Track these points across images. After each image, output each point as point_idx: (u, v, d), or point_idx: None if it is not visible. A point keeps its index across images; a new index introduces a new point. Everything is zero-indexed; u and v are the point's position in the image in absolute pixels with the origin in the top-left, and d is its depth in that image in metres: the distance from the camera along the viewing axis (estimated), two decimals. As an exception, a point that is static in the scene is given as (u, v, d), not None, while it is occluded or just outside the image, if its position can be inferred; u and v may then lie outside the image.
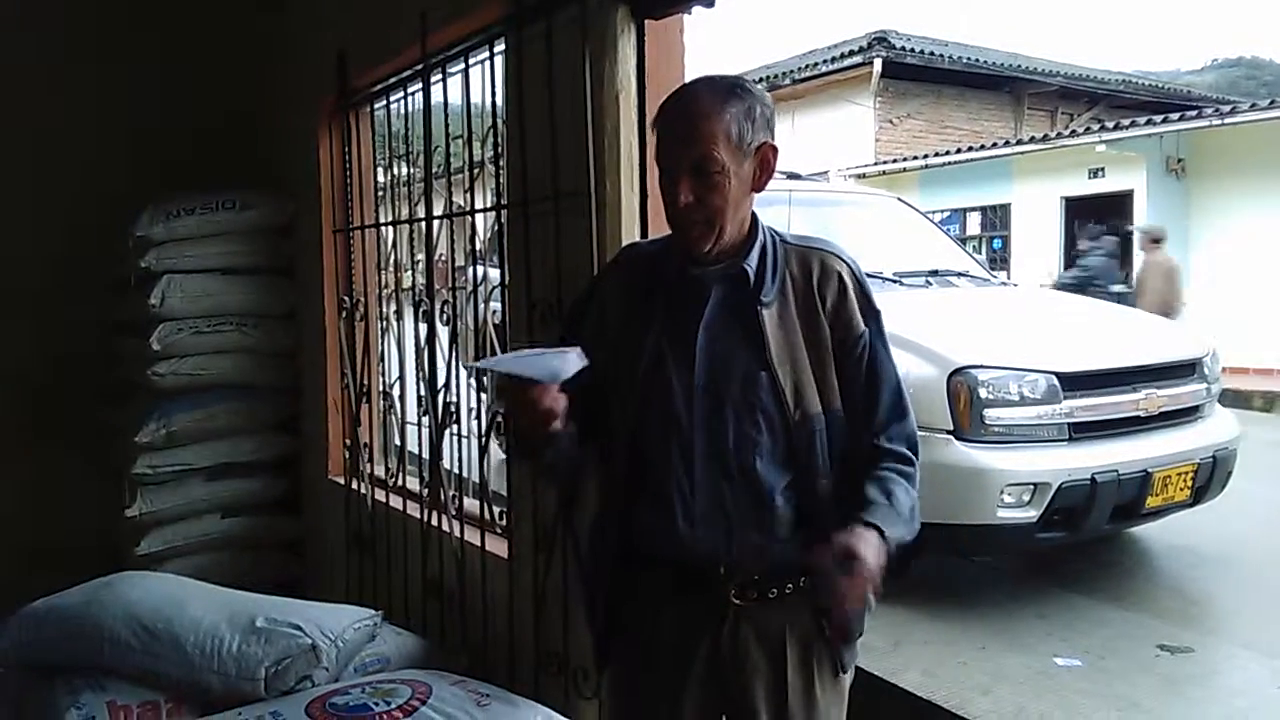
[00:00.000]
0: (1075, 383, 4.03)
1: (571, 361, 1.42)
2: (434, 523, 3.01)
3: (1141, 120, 12.54)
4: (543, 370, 1.41)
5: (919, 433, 3.82)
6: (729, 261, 1.52)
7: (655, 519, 1.52)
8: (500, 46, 2.65)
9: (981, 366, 3.94)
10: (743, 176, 1.49)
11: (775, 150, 1.52)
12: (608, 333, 1.57)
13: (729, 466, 1.49)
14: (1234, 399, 7.61)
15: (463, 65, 2.82)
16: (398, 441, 3.46)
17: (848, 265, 1.58)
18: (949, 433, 3.86)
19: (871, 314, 1.56)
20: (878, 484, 1.51)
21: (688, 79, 2.20)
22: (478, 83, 2.77)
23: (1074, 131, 13.94)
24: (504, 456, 2.78)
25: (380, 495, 3.41)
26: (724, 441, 1.49)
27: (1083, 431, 4.02)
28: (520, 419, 1.45)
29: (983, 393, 3.89)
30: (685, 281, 1.54)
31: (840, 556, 1.34)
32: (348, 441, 3.64)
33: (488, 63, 2.73)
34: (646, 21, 2.26)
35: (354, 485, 3.55)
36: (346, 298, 3.63)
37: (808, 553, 1.41)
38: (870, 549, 1.37)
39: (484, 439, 2.79)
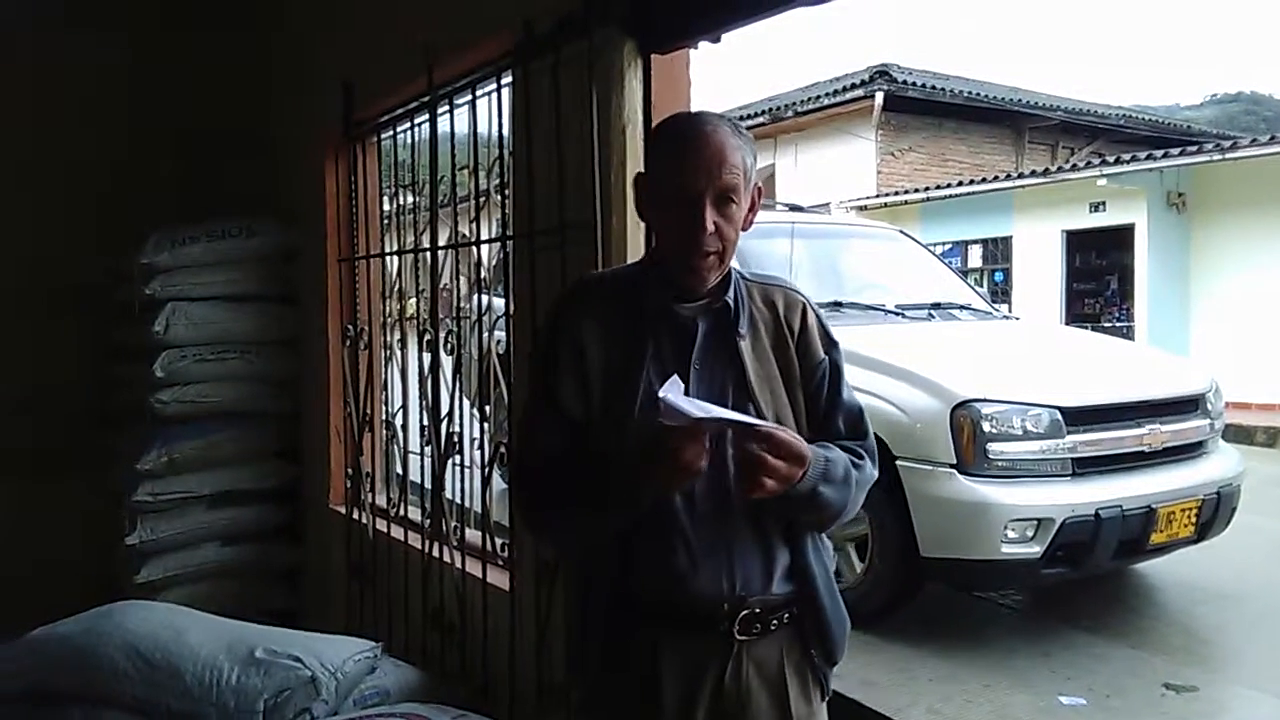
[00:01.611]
0: (1079, 417, 4.02)
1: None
2: (435, 554, 2.99)
3: (1142, 155, 12.60)
4: (739, 416, 1.40)
5: (923, 466, 3.82)
6: (711, 297, 1.53)
7: (654, 558, 1.49)
8: (507, 79, 2.67)
9: (985, 400, 3.93)
10: (745, 212, 1.51)
11: (761, 192, 1.56)
12: (590, 373, 1.52)
13: (730, 503, 1.48)
14: (1236, 434, 7.61)
15: (470, 97, 2.84)
16: (399, 471, 3.46)
17: (805, 299, 1.63)
18: (952, 466, 3.85)
19: (831, 344, 1.61)
20: (826, 449, 1.53)
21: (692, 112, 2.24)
22: (484, 114, 2.79)
23: (1075, 165, 13.99)
24: (505, 487, 2.77)
25: (381, 525, 3.40)
26: (724, 477, 1.48)
27: (1086, 466, 4.00)
28: (692, 465, 1.37)
29: (986, 426, 3.87)
30: (669, 317, 1.53)
31: (770, 447, 1.39)
32: (349, 470, 3.63)
33: (494, 94, 2.75)
34: (653, 56, 2.28)
35: (355, 515, 3.53)
36: (350, 326, 3.63)
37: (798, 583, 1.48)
38: (794, 458, 1.41)
39: (486, 470, 2.78)
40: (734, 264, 1.58)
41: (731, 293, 1.54)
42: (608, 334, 1.53)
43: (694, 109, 1.60)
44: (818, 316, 1.62)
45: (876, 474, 1.61)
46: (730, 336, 1.53)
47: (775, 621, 1.52)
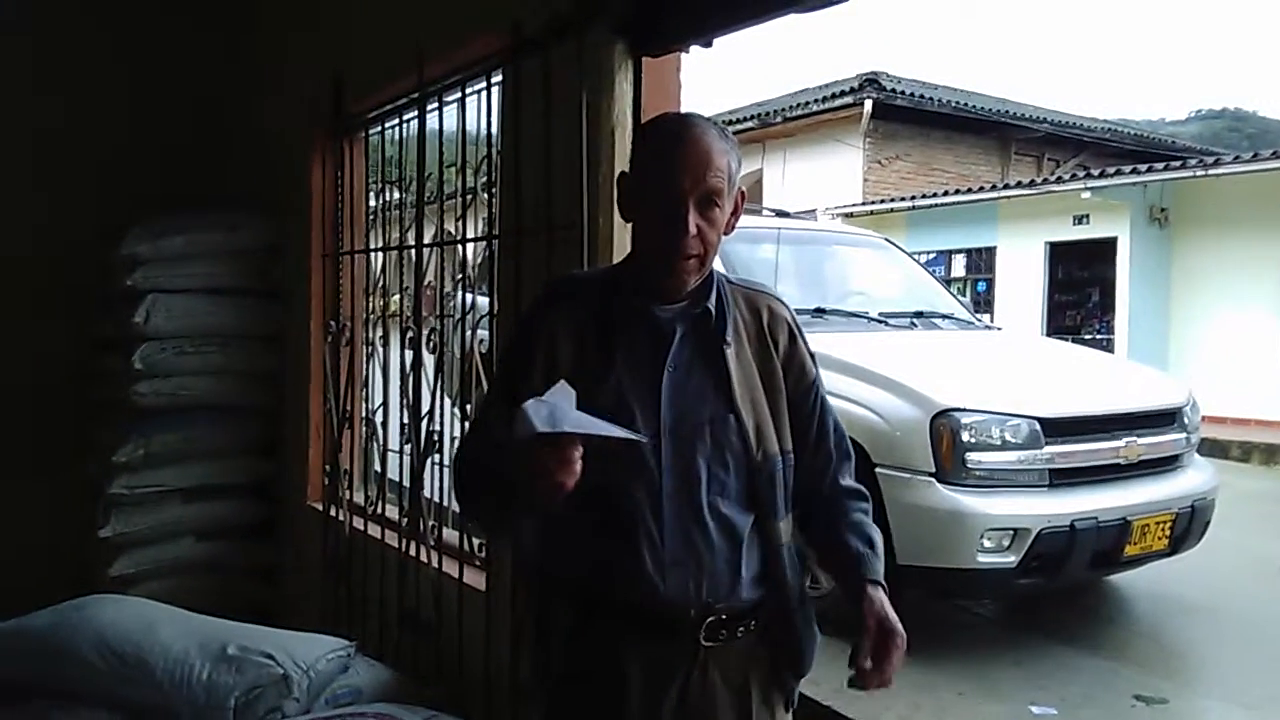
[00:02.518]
0: (1057, 428, 4.04)
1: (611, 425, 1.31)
2: (412, 552, 2.98)
3: (1127, 169, 12.70)
4: (609, 429, 1.29)
5: (901, 474, 3.84)
6: (690, 301, 1.52)
7: (619, 563, 1.48)
8: (497, 78, 2.66)
9: (965, 410, 3.94)
10: (727, 216, 1.50)
11: (744, 197, 1.56)
12: (560, 374, 1.47)
13: (699, 508, 1.47)
14: (1212, 448, 7.65)
15: (459, 94, 2.83)
16: (378, 469, 3.44)
17: (789, 310, 1.63)
18: (931, 475, 3.86)
19: (815, 361, 1.63)
20: (855, 531, 1.57)
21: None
22: (473, 112, 2.79)
23: (1060, 178, 14.09)
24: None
25: (359, 523, 3.38)
26: (694, 483, 1.47)
27: (1063, 478, 4.02)
28: (554, 478, 1.29)
29: (965, 436, 3.89)
30: (646, 319, 1.52)
31: (879, 629, 1.45)
32: (328, 467, 3.61)
33: (484, 93, 2.74)
34: (643, 59, 2.28)
35: (332, 512, 3.52)
36: (333, 322, 3.61)
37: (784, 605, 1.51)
38: (890, 609, 1.48)
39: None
40: (718, 268, 1.57)
41: (714, 297, 1.53)
42: (581, 335, 1.52)
43: (677, 112, 1.59)
44: (802, 331, 1.62)
45: (865, 495, 1.65)
46: (712, 341, 1.52)
47: (742, 628, 1.51)
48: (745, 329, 1.56)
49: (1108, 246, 13.09)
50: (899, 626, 1.47)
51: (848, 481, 1.62)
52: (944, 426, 3.90)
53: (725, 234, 1.51)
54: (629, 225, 2.01)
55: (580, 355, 1.51)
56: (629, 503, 1.47)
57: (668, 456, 1.47)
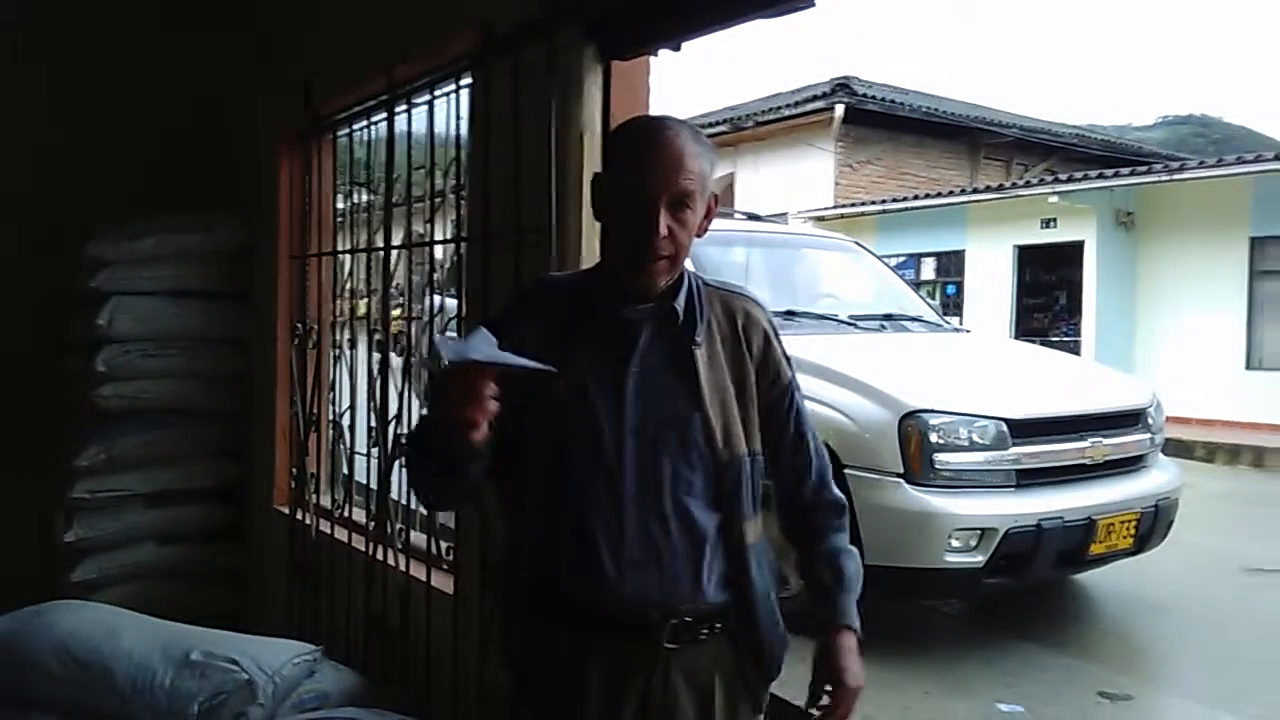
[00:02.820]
0: (1024, 429, 4.09)
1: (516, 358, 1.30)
2: (379, 556, 2.96)
3: (1094, 174, 12.85)
4: (518, 361, 1.28)
5: (870, 475, 3.86)
6: (658, 301, 1.52)
7: (579, 563, 1.46)
8: (467, 80, 2.65)
9: (933, 411, 3.98)
10: (700, 218, 1.50)
11: (718, 200, 1.56)
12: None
13: (663, 508, 1.46)
14: (1176, 448, 7.77)
15: (428, 97, 2.82)
16: (345, 472, 3.42)
17: (766, 313, 1.63)
18: (899, 476, 3.89)
19: (791, 364, 1.62)
20: (828, 562, 1.60)
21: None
22: (442, 114, 2.78)
23: (1028, 182, 14.25)
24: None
25: (325, 526, 3.35)
26: (658, 482, 1.46)
27: (1030, 478, 4.08)
28: (456, 411, 1.29)
29: (933, 437, 3.93)
30: (613, 319, 1.52)
31: (833, 680, 1.48)
32: (294, 471, 3.58)
33: (453, 95, 2.73)
34: (613, 62, 2.28)
35: (299, 515, 3.49)
36: (300, 324, 3.59)
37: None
38: (854, 657, 1.51)
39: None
40: (690, 269, 1.57)
41: (683, 298, 1.52)
42: (545, 333, 1.51)
43: (650, 114, 1.59)
44: (778, 334, 1.61)
45: (841, 502, 1.66)
46: (681, 342, 1.51)
47: (706, 631, 1.49)
48: (719, 330, 1.55)
49: (1075, 250, 13.25)
50: (856, 679, 1.51)
51: (830, 494, 1.63)
52: (912, 428, 3.94)
53: (698, 236, 1.51)
54: (598, 229, 2.00)
55: (544, 353, 1.46)
56: (588, 501, 1.45)
57: (630, 456, 1.46)
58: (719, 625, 1.51)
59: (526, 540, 1.52)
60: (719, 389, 1.51)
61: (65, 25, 4.02)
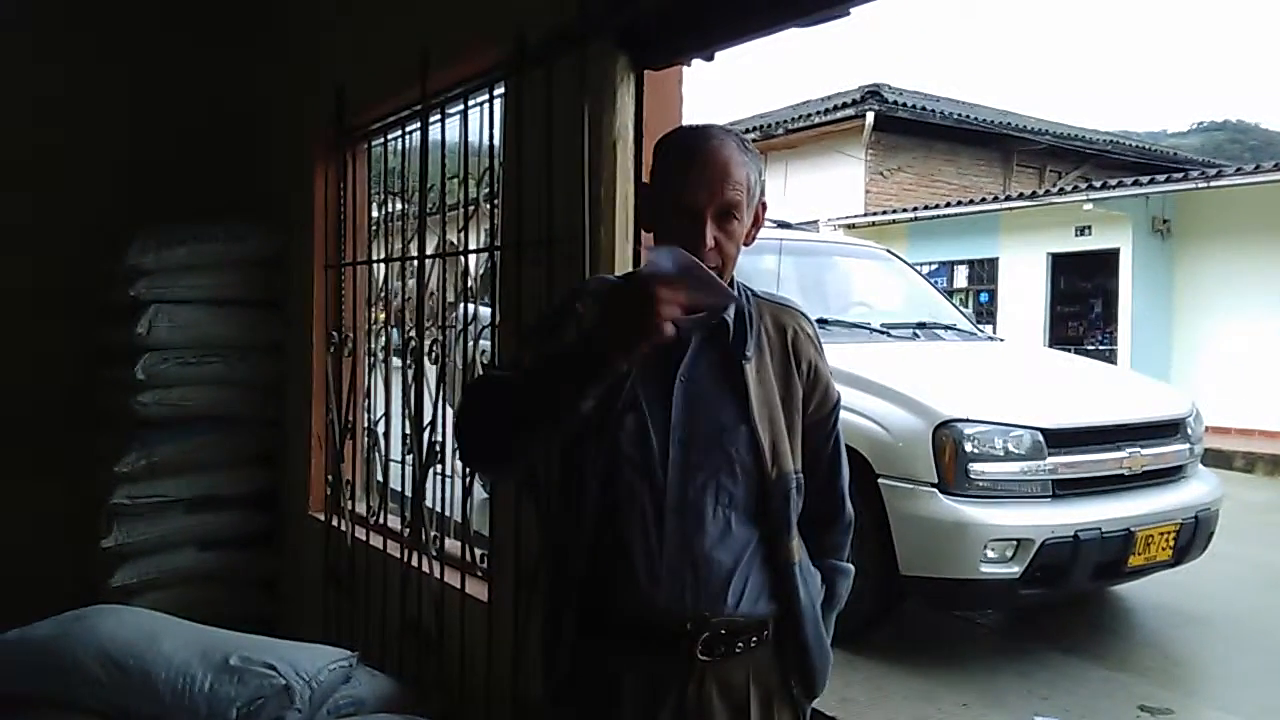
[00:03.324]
0: (1060, 439, 4.04)
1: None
2: (414, 563, 2.98)
3: (1129, 180, 12.70)
4: (711, 290, 1.31)
5: (904, 484, 3.85)
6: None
7: (616, 570, 1.46)
8: (500, 89, 2.67)
9: (968, 420, 3.95)
10: (747, 228, 1.50)
11: (765, 208, 1.55)
12: None
13: (703, 520, 1.45)
14: (1215, 459, 7.65)
15: (462, 106, 2.84)
16: (380, 479, 3.44)
17: (814, 329, 1.62)
18: (934, 485, 3.86)
19: (835, 383, 1.62)
20: (824, 577, 1.61)
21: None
22: (476, 123, 2.80)
23: (1062, 189, 14.10)
24: (486, 497, 2.77)
25: (360, 533, 3.38)
26: (700, 494, 1.45)
27: (1066, 488, 4.02)
28: (656, 319, 1.27)
29: (968, 446, 3.89)
30: None
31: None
32: (330, 478, 3.61)
33: (487, 104, 2.75)
34: (646, 72, 2.29)
35: (334, 522, 3.52)
36: (335, 333, 3.62)
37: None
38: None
39: (467, 479, 2.77)
40: (741, 280, 1.56)
41: (733, 310, 1.51)
42: None
43: (696, 123, 1.58)
44: (823, 351, 1.62)
45: (852, 519, 1.66)
46: (731, 355, 1.50)
47: (742, 644, 1.48)
48: (769, 344, 1.54)
49: (1110, 257, 13.09)
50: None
51: (846, 511, 1.65)
52: (947, 437, 3.90)
53: (746, 245, 1.51)
54: (631, 238, 1.99)
55: None
56: (630, 508, 1.45)
57: (675, 466, 1.45)
58: (755, 640, 1.49)
59: (573, 543, 1.51)
60: (767, 404, 1.50)
61: (96, 31, 4.09)
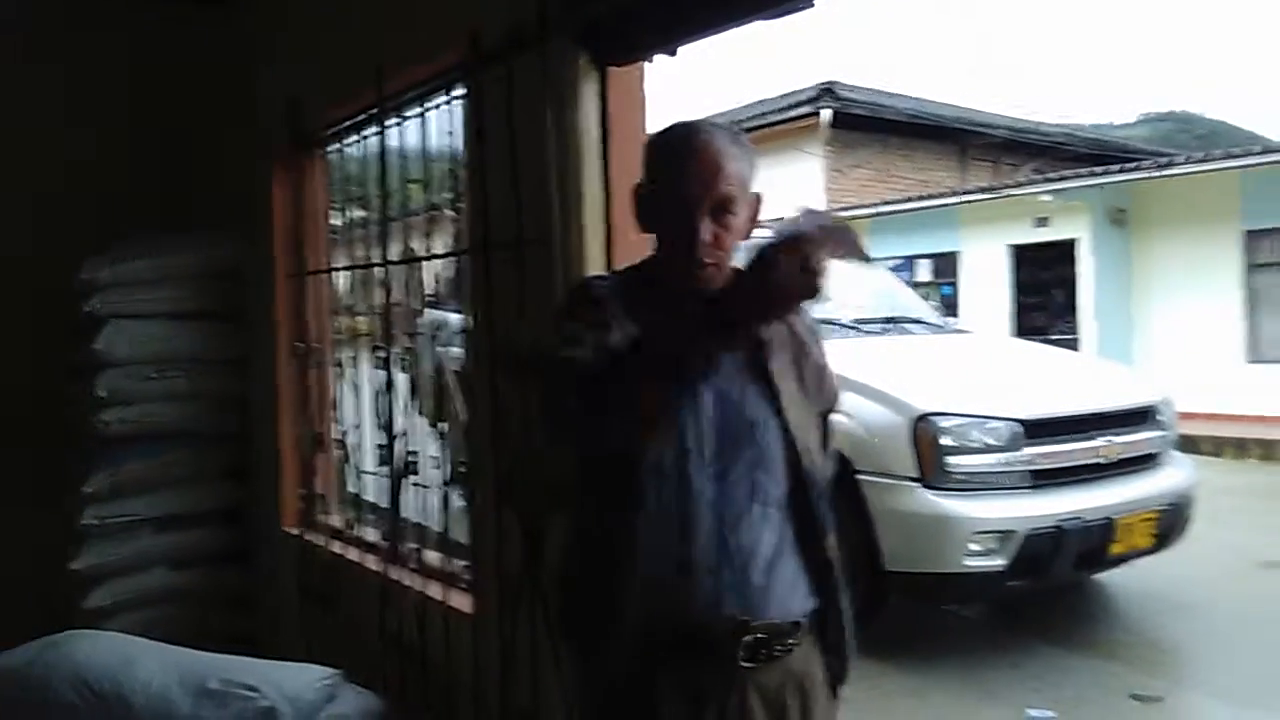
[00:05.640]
0: (1036, 430, 4.05)
1: None
2: (393, 576, 2.90)
3: (1084, 171, 12.86)
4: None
5: (884, 480, 3.82)
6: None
7: (655, 577, 1.40)
8: (459, 91, 2.61)
9: (945, 414, 3.94)
10: (744, 221, 1.47)
11: (761, 200, 1.52)
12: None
13: (739, 515, 1.41)
14: (1183, 444, 7.72)
15: (419, 109, 2.78)
16: (353, 490, 3.37)
17: (813, 320, 1.60)
18: (914, 480, 3.85)
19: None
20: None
21: (650, 126, 2.20)
22: (437, 127, 2.73)
23: (1020, 182, 14.26)
24: (464, 505, 2.71)
25: (337, 547, 3.30)
26: (734, 490, 1.42)
27: (1045, 478, 4.03)
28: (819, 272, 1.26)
29: (946, 440, 3.89)
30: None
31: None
32: (302, 491, 3.53)
33: (446, 107, 2.69)
34: (608, 69, 2.24)
35: (309, 536, 3.43)
36: (300, 344, 3.54)
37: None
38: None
39: (444, 489, 2.71)
40: None
41: None
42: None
43: (686, 120, 1.54)
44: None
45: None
46: (755, 350, 1.46)
47: (781, 647, 1.44)
48: (778, 339, 1.50)
49: (1069, 248, 13.25)
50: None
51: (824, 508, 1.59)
52: (925, 431, 3.90)
53: (744, 238, 1.48)
54: (601, 237, 1.95)
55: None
56: (661, 505, 1.40)
57: (710, 460, 1.41)
58: (792, 640, 1.45)
59: (606, 551, 1.44)
60: (792, 397, 1.48)
61: (50, 46, 3.97)
